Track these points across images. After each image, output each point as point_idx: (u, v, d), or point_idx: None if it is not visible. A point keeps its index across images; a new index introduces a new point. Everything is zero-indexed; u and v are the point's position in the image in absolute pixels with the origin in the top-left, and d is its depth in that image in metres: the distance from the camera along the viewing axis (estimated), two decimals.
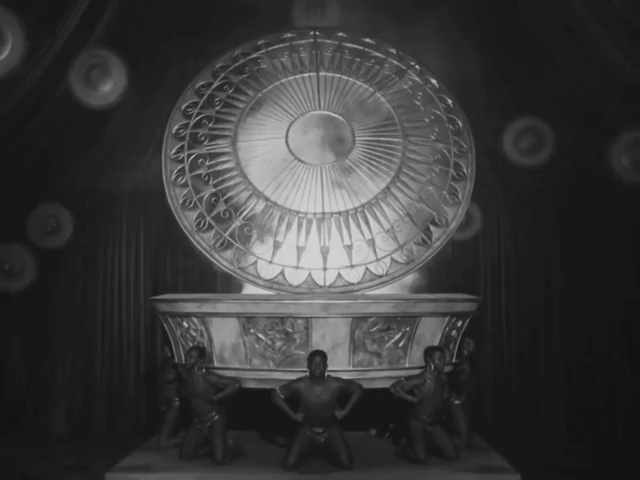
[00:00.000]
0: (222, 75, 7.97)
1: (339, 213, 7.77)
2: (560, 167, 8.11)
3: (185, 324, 6.86)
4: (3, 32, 5.97)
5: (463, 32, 8.19)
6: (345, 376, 6.39)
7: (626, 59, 6.68)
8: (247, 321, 6.52)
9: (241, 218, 7.64)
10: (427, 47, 8.06)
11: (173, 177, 7.65)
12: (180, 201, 7.61)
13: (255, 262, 7.57)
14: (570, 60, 7.44)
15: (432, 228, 7.75)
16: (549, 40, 7.51)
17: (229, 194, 7.70)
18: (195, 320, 6.75)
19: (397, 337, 6.62)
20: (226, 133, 7.87)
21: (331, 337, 6.46)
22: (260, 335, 6.52)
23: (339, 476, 6.10)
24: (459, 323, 7.11)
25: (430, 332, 6.74)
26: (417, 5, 8.08)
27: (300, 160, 7.85)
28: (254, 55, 8.06)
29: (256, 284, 7.56)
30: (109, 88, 7.41)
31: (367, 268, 7.63)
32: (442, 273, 8.34)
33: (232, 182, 7.76)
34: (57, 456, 7.17)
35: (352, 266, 7.63)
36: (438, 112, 8.00)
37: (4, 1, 5.95)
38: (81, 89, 7.26)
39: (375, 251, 7.67)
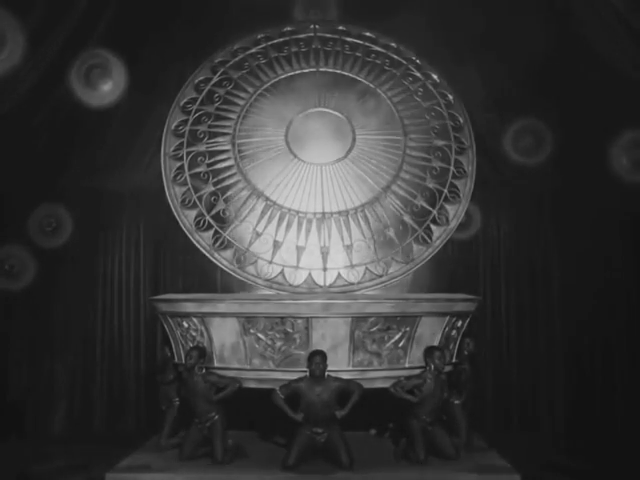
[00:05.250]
0: (221, 70, 7.94)
1: (339, 213, 7.76)
2: (560, 167, 8.10)
3: (185, 324, 6.85)
4: (3, 32, 5.96)
5: (463, 30, 8.14)
6: (345, 376, 6.39)
7: (627, 59, 6.67)
8: (247, 321, 6.52)
9: (241, 217, 7.64)
10: (426, 42, 8.02)
11: (172, 175, 7.65)
12: (179, 200, 7.61)
13: (255, 262, 7.57)
14: (570, 60, 7.44)
15: (432, 227, 7.74)
16: (549, 40, 7.49)
17: (229, 193, 7.70)
18: (195, 320, 6.75)
19: (397, 337, 6.61)
20: (225, 131, 7.85)
21: (331, 337, 6.46)
22: (260, 335, 6.52)
23: (339, 476, 6.10)
24: (459, 323, 7.11)
25: (430, 332, 6.74)
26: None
27: (300, 159, 7.84)
28: (253, 50, 8.01)
29: (256, 284, 7.57)
30: (109, 88, 7.40)
31: (367, 268, 7.64)
32: (442, 273, 8.33)
33: (232, 181, 7.75)
34: (57, 456, 7.15)
35: (352, 266, 7.63)
36: (439, 108, 7.98)
37: (4, 1, 5.95)
38: (81, 89, 7.25)
39: (375, 251, 7.67)
